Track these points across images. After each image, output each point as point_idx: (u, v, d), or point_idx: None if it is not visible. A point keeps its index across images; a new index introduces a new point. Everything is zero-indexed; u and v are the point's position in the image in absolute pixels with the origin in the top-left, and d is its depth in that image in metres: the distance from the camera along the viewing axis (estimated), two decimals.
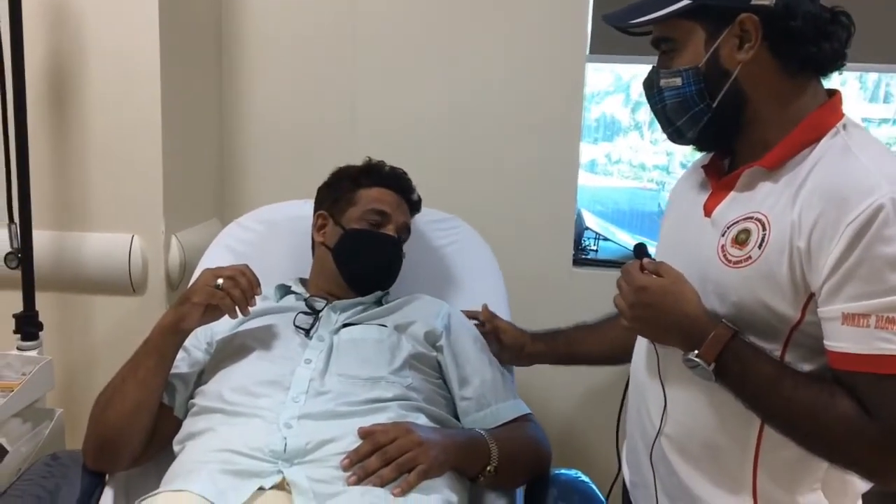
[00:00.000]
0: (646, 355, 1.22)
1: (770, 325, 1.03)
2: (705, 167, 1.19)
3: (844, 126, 1.05)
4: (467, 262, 1.77)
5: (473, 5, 2.08)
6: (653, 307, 1.08)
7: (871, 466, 0.98)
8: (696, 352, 1.04)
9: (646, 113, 2.46)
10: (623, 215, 2.62)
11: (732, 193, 1.11)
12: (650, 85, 1.16)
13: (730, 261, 1.05)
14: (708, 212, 1.13)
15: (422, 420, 1.28)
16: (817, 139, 1.04)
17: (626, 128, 2.58)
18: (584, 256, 2.26)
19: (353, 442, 1.18)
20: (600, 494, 1.32)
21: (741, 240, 1.05)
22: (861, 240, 0.92)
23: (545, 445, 1.40)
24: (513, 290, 1.77)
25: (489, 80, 2.11)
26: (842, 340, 0.95)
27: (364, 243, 1.52)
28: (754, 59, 1.05)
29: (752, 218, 1.05)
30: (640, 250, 1.14)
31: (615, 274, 1.16)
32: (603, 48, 2.11)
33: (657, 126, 1.20)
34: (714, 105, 1.08)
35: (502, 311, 1.70)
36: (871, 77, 2.38)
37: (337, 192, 1.59)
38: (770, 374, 1.01)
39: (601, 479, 1.37)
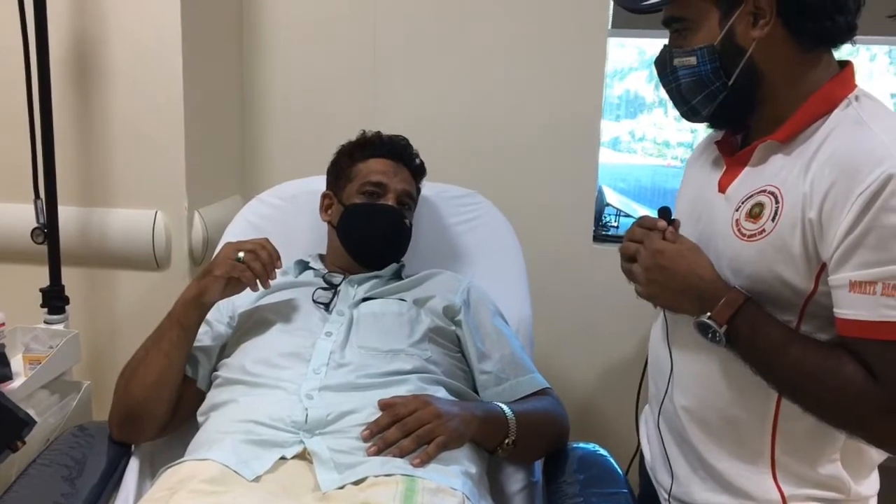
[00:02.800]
0: (660, 327, 1.23)
1: (785, 297, 1.03)
2: (718, 143, 1.19)
3: (857, 97, 1.04)
4: (487, 238, 1.76)
5: None
6: (667, 270, 1.09)
7: (876, 432, 0.99)
8: (709, 314, 1.04)
9: None
10: (645, 192, 2.61)
11: (746, 169, 1.11)
12: (663, 64, 1.15)
13: (744, 234, 1.05)
14: (722, 188, 1.13)
15: (441, 393, 1.29)
16: (829, 111, 1.03)
17: (650, 104, 2.55)
18: (604, 233, 2.25)
19: (373, 413, 1.19)
20: (618, 468, 1.32)
21: (755, 213, 1.05)
22: (870, 209, 0.92)
23: (564, 419, 1.40)
24: (533, 266, 1.77)
25: (509, 56, 2.09)
26: (849, 308, 0.96)
27: (362, 217, 1.52)
28: (769, 36, 1.04)
29: (765, 191, 1.05)
30: (666, 213, 1.14)
31: None
32: (625, 22, 2.08)
33: None
34: (730, 83, 1.08)
35: (522, 288, 1.70)
36: None
37: (337, 169, 1.60)
38: (779, 338, 1.02)
39: (620, 454, 1.37)
